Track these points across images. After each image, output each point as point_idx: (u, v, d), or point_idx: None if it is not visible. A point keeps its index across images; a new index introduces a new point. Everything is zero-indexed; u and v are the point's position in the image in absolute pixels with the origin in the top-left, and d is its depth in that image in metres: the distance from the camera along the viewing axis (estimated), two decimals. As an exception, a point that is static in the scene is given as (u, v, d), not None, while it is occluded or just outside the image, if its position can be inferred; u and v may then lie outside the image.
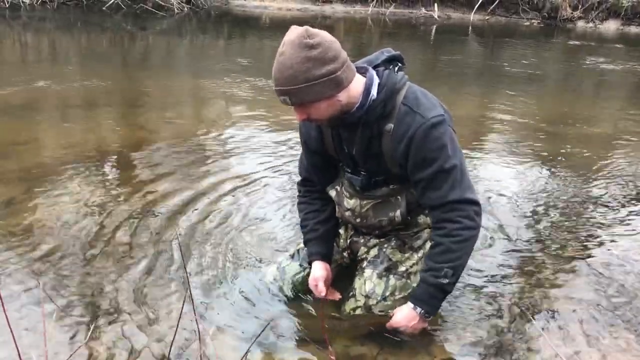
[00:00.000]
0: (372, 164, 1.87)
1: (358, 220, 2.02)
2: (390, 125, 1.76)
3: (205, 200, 2.93)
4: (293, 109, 1.70)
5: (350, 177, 1.95)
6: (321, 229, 2.06)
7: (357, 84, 1.72)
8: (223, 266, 2.31)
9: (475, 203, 1.79)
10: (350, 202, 2.00)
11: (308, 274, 2.06)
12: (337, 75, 1.63)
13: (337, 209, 2.10)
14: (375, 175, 1.91)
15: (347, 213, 2.03)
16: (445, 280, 1.77)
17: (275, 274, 2.12)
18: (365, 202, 1.97)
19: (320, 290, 1.97)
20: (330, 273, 2.05)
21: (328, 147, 1.95)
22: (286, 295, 2.07)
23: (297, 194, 2.18)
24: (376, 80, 1.76)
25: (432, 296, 1.81)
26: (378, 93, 1.74)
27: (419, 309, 1.82)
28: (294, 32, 1.60)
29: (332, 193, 2.07)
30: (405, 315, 1.85)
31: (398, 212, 1.95)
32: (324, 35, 1.62)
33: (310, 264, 2.06)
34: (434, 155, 1.73)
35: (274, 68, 1.63)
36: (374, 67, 1.80)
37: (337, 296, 2.07)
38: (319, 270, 2.01)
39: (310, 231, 2.07)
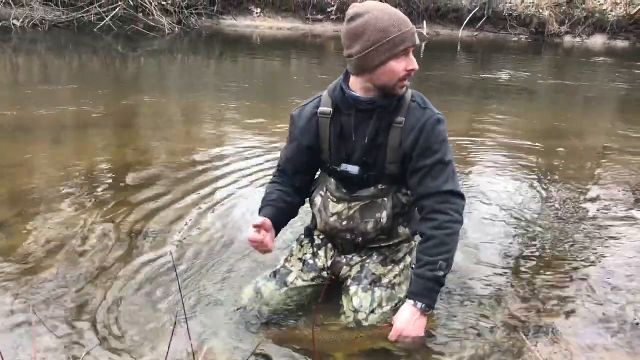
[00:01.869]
0: (372, 156, 1.97)
1: (345, 223, 2.06)
2: (401, 119, 1.93)
3: (199, 220, 2.93)
4: (410, 56, 1.92)
5: (346, 167, 2.00)
6: (282, 205, 2.08)
7: None
8: (215, 286, 2.30)
9: (464, 198, 1.96)
10: (337, 207, 2.06)
11: (285, 294, 2.07)
12: None
13: (319, 221, 2.13)
14: (370, 170, 1.99)
15: (333, 218, 2.07)
16: (441, 273, 1.85)
17: (251, 294, 2.09)
18: (353, 204, 2.04)
19: (256, 232, 1.90)
20: (272, 233, 1.98)
21: (322, 141, 2.03)
22: (262, 315, 2.04)
23: (273, 177, 2.20)
24: None
25: (430, 290, 1.87)
26: None
27: (419, 304, 1.86)
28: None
29: (318, 200, 2.12)
30: (407, 313, 1.87)
31: (384, 214, 2.02)
32: None
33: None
34: (437, 147, 1.90)
35: (397, 15, 1.87)
36: None
37: (270, 245, 1.95)
38: (262, 219, 1.95)
39: (272, 200, 2.08)
